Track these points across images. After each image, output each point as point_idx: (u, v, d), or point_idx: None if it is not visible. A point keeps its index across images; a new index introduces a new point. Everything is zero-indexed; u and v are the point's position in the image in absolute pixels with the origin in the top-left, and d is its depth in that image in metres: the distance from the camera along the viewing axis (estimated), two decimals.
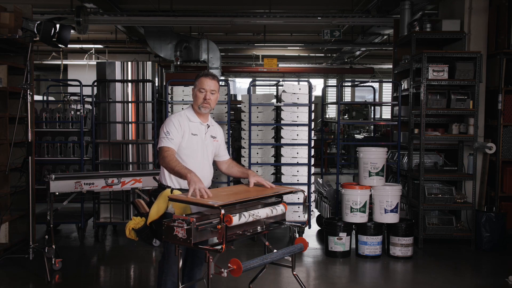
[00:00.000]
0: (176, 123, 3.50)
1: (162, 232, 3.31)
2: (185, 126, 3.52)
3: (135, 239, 3.49)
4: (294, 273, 3.81)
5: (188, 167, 3.40)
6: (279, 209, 3.59)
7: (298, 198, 6.28)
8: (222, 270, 3.14)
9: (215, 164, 3.83)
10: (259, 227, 3.53)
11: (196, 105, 3.59)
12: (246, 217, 3.27)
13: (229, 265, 3.16)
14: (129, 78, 6.82)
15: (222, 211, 3.08)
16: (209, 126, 3.65)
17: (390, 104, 8.01)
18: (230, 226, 3.18)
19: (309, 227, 6.66)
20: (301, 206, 6.31)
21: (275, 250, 3.66)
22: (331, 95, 17.75)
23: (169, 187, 3.48)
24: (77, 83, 6.92)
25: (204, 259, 3.18)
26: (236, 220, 3.18)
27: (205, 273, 3.23)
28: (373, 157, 5.87)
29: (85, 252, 6.17)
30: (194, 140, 3.54)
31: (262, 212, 3.44)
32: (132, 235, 3.46)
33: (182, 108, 6.59)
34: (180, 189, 3.43)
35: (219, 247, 3.12)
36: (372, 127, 10.73)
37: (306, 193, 4.02)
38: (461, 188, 6.58)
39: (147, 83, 6.79)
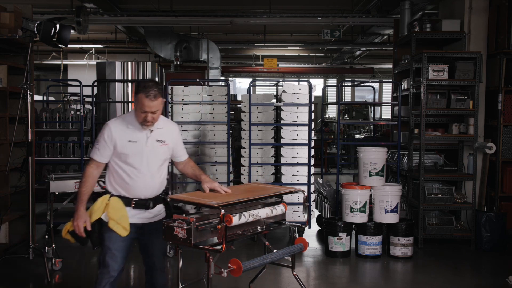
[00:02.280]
0: (107, 134, 3.27)
1: (95, 238, 3.29)
2: (118, 134, 3.26)
3: (71, 240, 3.38)
4: (294, 273, 3.82)
5: (129, 177, 3.27)
6: (279, 209, 3.59)
7: (298, 198, 6.28)
8: (222, 270, 3.14)
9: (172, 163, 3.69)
10: (259, 227, 3.54)
11: (137, 119, 3.29)
12: (246, 217, 3.27)
13: (229, 265, 3.16)
14: (129, 78, 6.84)
15: (222, 211, 3.08)
16: (152, 131, 3.33)
17: (390, 104, 8.00)
18: (230, 226, 3.18)
19: (309, 227, 6.65)
20: (301, 206, 6.31)
21: (275, 250, 3.66)
22: (331, 95, 17.75)
23: (110, 192, 3.33)
24: (77, 83, 6.92)
25: (205, 259, 3.18)
26: (236, 220, 3.18)
27: (205, 273, 3.24)
28: (373, 157, 5.87)
29: (85, 252, 6.17)
30: (132, 148, 3.28)
31: (262, 212, 3.44)
32: (68, 236, 3.35)
33: (182, 108, 6.62)
34: (119, 196, 3.29)
35: (219, 247, 3.12)
36: (372, 127, 10.72)
37: (306, 193, 4.02)
38: (461, 188, 6.58)
39: None
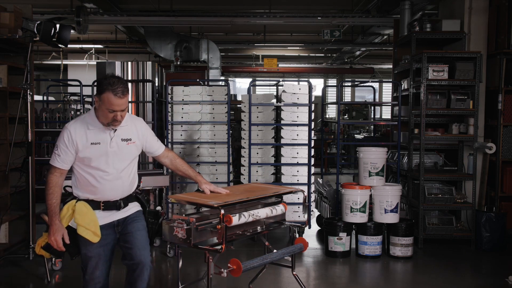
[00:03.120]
0: (66, 137, 3.05)
1: (72, 248, 3.08)
2: (79, 137, 3.05)
3: (46, 255, 3.21)
4: (294, 273, 3.82)
5: (96, 180, 3.10)
6: (279, 209, 3.60)
7: (298, 198, 6.28)
8: (222, 270, 3.14)
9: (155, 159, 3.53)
10: (259, 227, 3.54)
11: (102, 120, 3.09)
12: (246, 217, 3.27)
13: (229, 265, 3.17)
14: (129, 78, 6.83)
15: (222, 211, 3.08)
16: (116, 130, 3.14)
17: (390, 104, 8.00)
18: (230, 226, 3.18)
19: (309, 227, 6.65)
20: (301, 206, 6.30)
21: (275, 250, 3.66)
22: (331, 95, 17.75)
23: (75, 197, 3.16)
24: (77, 83, 6.92)
25: (205, 259, 3.18)
26: (236, 220, 3.19)
27: (205, 273, 3.23)
28: (373, 157, 5.86)
29: None
30: (95, 150, 3.08)
31: (262, 212, 3.45)
32: (43, 252, 3.15)
33: (182, 108, 6.61)
34: (86, 200, 3.13)
35: (218, 247, 3.12)
36: (372, 127, 10.72)
37: (306, 193, 4.02)
38: (461, 188, 6.58)
39: (147, 83, 6.79)
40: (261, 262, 3.41)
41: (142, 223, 3.27)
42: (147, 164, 6.87)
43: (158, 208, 6.16)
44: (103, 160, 3.11)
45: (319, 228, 7.06)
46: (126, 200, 3.23)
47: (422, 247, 6.13)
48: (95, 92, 7.00)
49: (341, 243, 5.73)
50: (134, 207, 3.29)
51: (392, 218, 5.74)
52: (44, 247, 3.12)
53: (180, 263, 3.40)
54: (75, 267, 5.46)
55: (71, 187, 3.22)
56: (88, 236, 3.06)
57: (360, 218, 5.74)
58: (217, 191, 3.49)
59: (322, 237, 6.44)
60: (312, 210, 6.87)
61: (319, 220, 7.18)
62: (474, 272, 5.61)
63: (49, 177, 3.08)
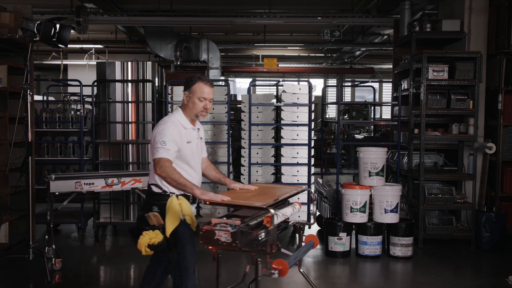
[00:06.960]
0: (173, 133, 3.29)
1: (173, 240, 3.22)
2: (182, 135, 3.35)
3: (150, 253, 3.25)
4: (301, 270, 3.84)
5: (189, 175, 3.34)
6: (296, 208, 3.63)
7: (298, 198, 6.28)
8: (273, 271, 3.10)
9: None
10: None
11: (192, 112, 3.41)
12: (280, 216, 3.26)
13: (274, 265, 3.12)
14: (129, 78, 6.82)
15: (272, 211, 3.02)
16: (198, 130, 3.55)
17: (390, 104, 8.00)
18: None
19: (309, 227, 6.65)
20: (299, 206, 6.28)
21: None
22: (331, 95, 17.74)
23: (173, 193, 3.31)
24: (77, 83, 6.92)
25: (252, 262, 3.16)
26: (275, 220, 3.16)
27: (245, 275, 3.25)
28: (373, 157, 5.87)
29: (85, 252, 6.17)
30: (189, 149, 3.39)
31: (288, 211, 3.45)
32: (148, 251, 3.20)
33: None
34: (183, 195, 3.31)
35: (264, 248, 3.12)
36: (372, 127, 10.72)
37: (313, 192, 4.04)
38: (461, 188, 6.58)
39: (147, 83, 6.78)
40: (295, 261, 3.41)
41: None
42: (147, 164, 6.86)
43: None
44: (194, 159, 3.45)
45: (319, 228, 7.06)
46: None
47: (422, 247, 6.13)
48: (95, 92, 6.96)
49: (341, 243, 5.73)
50: None
51: (392, 218, 5.74)
52: (158, 245, 3.18)
53: (220, 267, 3.37)
54: (75, 267, 5.47)
55: (156, 185, 3.35)
56: (193, 225, 3.34)
57: (360, 218, 5.74)
58: (246, 187, 3.64)
59: (322, 237, 6.43)
60: (312, 210, 6.86)
61: (319, 220, 7.17)
62: (474, 272, 5.62)
63: (167, 166, 3.18)
